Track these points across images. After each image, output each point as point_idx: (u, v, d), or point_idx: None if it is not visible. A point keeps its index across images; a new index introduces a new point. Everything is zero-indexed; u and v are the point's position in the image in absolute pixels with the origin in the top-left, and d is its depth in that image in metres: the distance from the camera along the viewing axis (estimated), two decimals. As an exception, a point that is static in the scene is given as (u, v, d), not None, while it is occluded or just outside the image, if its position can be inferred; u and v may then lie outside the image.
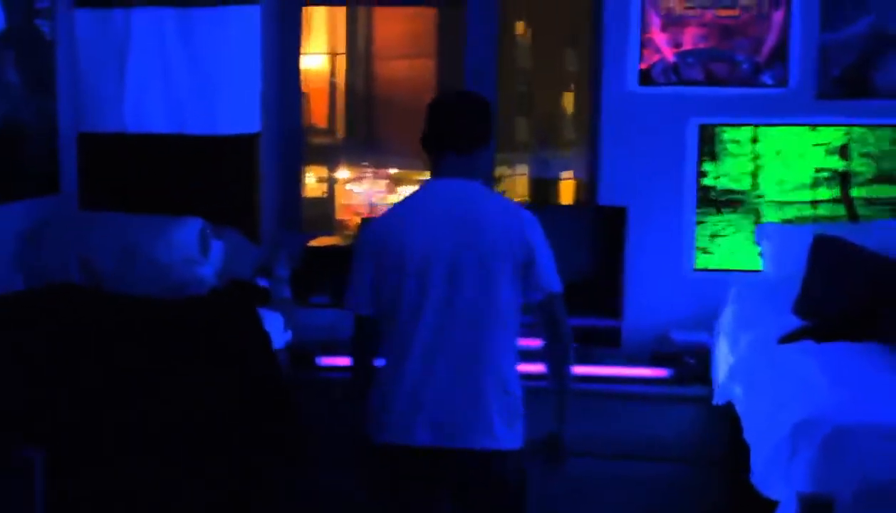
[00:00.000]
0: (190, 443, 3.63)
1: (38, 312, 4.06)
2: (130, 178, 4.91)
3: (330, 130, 6.51)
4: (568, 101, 6.08)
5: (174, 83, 4.84)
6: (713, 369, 4.40)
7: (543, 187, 6.06)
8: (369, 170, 6.19)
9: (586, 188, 5.18)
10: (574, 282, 4.66)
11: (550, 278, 3.27)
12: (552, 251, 3.31)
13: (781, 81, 4.73)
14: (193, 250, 4.53)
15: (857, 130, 4.70)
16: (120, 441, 3.47)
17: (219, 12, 4.78)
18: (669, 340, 4.71)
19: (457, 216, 3.21)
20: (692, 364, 4.53)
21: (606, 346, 4.68)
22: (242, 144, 4.88)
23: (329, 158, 6.28)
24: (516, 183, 6.10)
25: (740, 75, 4.75)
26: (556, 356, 3.30)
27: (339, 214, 6.16)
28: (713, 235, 4.83)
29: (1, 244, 4.44)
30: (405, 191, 5.82)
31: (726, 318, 4.41)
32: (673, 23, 4.75)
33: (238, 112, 4.86)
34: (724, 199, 4.81)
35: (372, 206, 5.20)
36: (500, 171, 5.92)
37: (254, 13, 4.81)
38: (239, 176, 4.91)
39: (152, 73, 4.84)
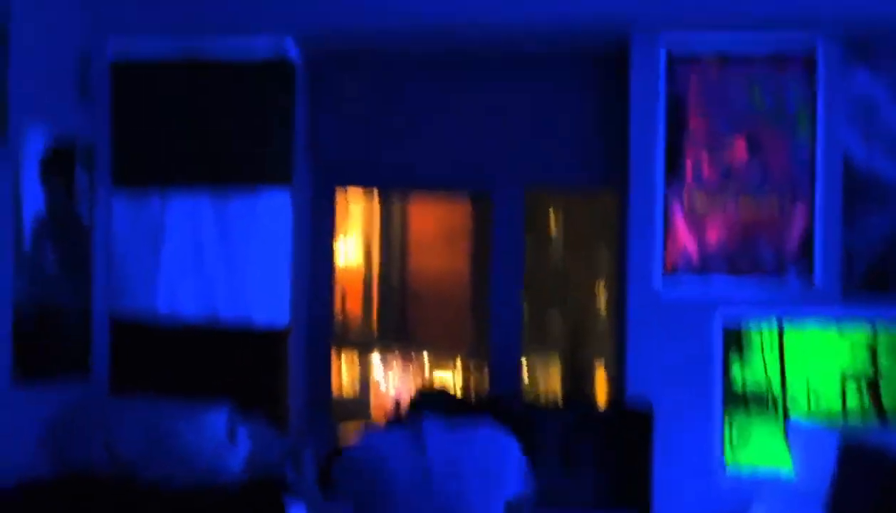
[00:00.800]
0: None
1: (61, 504, 4.05)
2: (161, 362, 4.96)
3: (365, 323, 6.55)
4: (601, 296, 6.11)
5: (207, 268, 4.95)
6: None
7: (576, 381, 6.04)
8: (403, 363, 6.20)
9: (616, 384, 5.15)
10: (604, 483, 4.65)
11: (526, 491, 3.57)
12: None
13: (806, 278, 4.74)
14: (221, 437, 4.53)
15: (883, 330, 4.68)
16: None
17: (252, 197, 4.92)
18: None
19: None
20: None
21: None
22: (272, 335, 4.95)
23: (363, 350, 6.30)
24: (549, 376, 6.09)
25: (765, 271, 4.77)
26: None
27: (374, 410, 6.15)
28: (743, 434, 4.76)
29: (29, 428, 4.47)
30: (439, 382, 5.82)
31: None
32: (697, 219, 4.81)
33: (268, 302, 4.94)
34: (752, 396, 4.76)
35: (401, 399, 5.19)
36: (532, 364, 5.92)
37: (284, 197, 4.94)
38: (268, 365, 4.96)
39: (185, 258, 4.96)
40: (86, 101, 4.88)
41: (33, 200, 4.48)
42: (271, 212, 4.94)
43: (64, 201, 4.69)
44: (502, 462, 3.51)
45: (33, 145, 4.49)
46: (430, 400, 3.74)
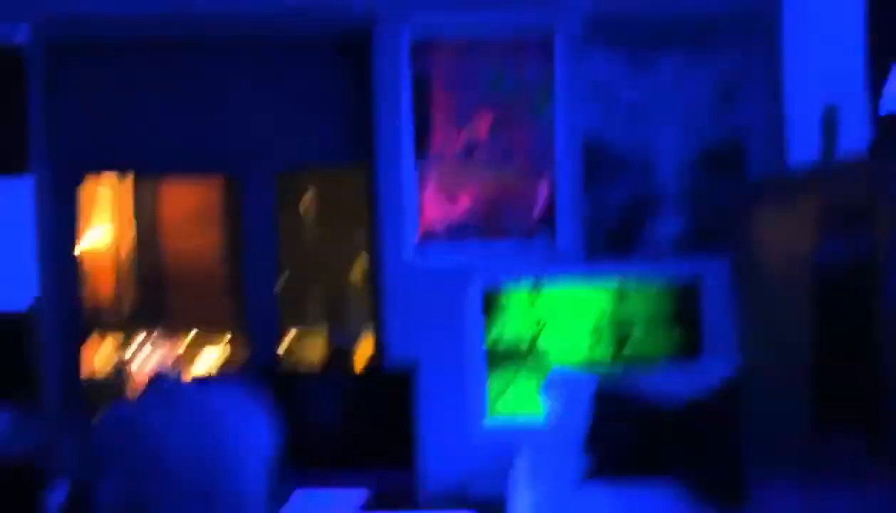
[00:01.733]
0: None
1: None
2: None
3: (121, 306, 6.42)
4: (358, 270, 6.19)
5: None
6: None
7: (340, 352, 6.11)
8: (165, 342, 6.09)
9: (380, 351, 5.24)
10: (368, 444, 4.74)
11: None
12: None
13: (552, 241, 4.98)
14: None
15: (625, 285, 4.97)
16: None
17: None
18: (466, 494, 4.75)
19: None
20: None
21: (403, 503, 4.68)
22: (15, 319, 4.82)
23: (119, 332, 6.16)
24: (312, 348, 6.14)
25: (512, 237, 4.97)
26: None
27: (130, 391, 6.03)
28: (502, 389, 4.95)
29: None
30: (196, 365, 5.77)
31: (520, 467, 4.50)
32: (447, 191, 4.97)
33: (9, 288, 4.81)
34: (511, 353, 4.95)
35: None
36: (296, 339, 5.96)
37: (24, 184, 4.81)
38: (12, 349, 4.82)
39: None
40: None
41: None
42: (11, 200, 4.78)
43: None
44: (250, 419, 3.56)
45: None
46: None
